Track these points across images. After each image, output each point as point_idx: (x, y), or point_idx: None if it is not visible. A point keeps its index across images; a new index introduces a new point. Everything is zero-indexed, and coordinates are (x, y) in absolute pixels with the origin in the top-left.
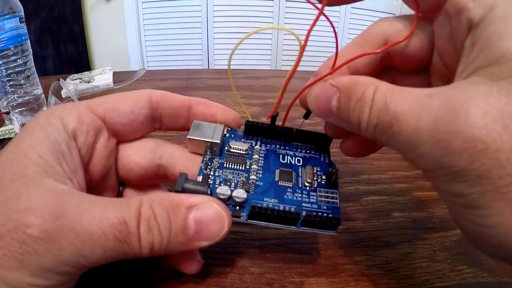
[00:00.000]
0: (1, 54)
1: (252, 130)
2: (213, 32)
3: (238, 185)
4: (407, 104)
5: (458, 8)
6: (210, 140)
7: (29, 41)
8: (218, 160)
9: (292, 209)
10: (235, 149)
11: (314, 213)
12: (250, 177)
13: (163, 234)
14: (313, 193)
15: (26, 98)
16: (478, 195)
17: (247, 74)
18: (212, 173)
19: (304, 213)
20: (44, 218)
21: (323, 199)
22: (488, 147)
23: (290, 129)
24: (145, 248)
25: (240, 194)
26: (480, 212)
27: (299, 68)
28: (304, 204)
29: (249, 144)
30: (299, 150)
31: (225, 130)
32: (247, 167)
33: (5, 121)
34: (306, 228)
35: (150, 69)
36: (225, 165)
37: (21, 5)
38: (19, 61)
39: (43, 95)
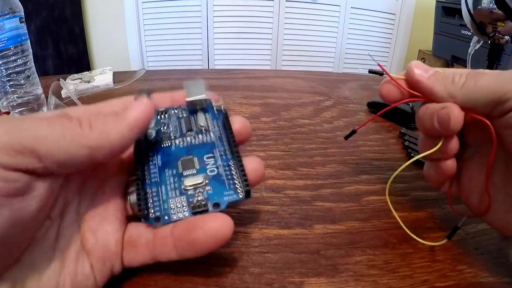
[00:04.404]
0: (1, 54)
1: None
2: (213, 32)
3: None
4: None
5: None
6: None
7: (29, 41)
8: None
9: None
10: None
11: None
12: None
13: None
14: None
15: (26, 98)
16: None
17: (247, 74)
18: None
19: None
20: None
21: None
22: None
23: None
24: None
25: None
26: None
27: (299, 68)
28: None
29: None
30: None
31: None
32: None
33: None
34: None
35: (150, 69)
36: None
37: (21, 5)
38: (19, 61)
39: (43, 95)
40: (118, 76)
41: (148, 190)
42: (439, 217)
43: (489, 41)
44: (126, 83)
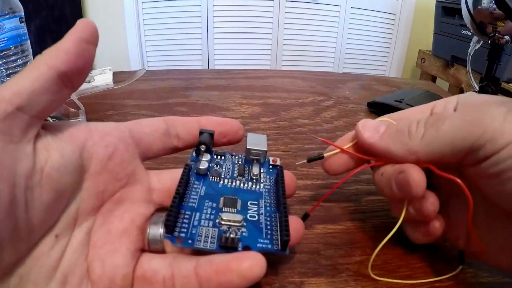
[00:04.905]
0: (1, 54)
1: None
2: (213, 32)
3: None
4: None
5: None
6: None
7: (29, 41)
8: None
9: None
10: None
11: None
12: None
13: None
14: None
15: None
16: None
17: (247, 74)
18: None
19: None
20: None
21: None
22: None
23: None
24: None
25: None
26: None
27: (299, 68)
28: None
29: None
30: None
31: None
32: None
33: None
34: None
35: (150, 69)
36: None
37: (21, 5)
38: (19, 61)
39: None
40: (118, 76)
41: (181, 211)
42: None
43: (489, 41)
44: (126, 83)
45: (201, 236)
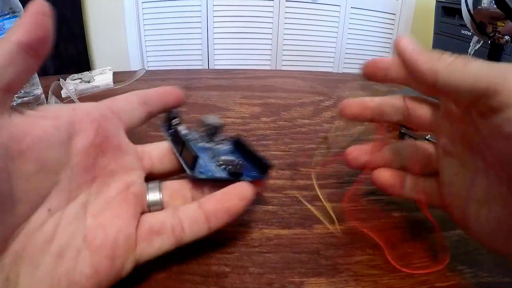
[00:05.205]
0: None
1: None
2: (213, 32)
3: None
4: None
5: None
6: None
7: None
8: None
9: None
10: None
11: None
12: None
13: None
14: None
15: (26, 98)
16: None
17: (247, 74)
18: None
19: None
20: None
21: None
22: None
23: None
24: None
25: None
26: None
27: (299, 68)
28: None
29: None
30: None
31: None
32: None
33: None
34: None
35: (150, 69)
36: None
37: (21, 5)
38: None
39: (43, 95)
40: (118, 76)
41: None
42: (439, 217)
43: (489, 41)
44: (126, 83)
45: (213, 170)
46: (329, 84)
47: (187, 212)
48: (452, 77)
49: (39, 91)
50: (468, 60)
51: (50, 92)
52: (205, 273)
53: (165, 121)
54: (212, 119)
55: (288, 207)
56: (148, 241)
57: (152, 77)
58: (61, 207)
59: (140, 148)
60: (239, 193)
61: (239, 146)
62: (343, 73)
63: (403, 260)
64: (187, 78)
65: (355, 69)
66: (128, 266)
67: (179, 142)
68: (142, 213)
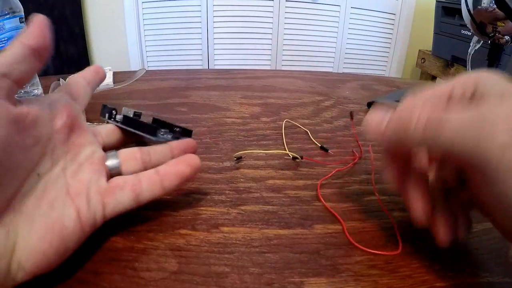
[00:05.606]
0: None
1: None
2: (213, 32)
3: None
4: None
5: None
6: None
7: None
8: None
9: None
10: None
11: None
12: None
13: None
14: None
15: (26, 98)
16: None
17: (247, 74)
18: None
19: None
20: None
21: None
22: None
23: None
24: None
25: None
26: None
27: (299, 68)
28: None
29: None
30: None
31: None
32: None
33: None
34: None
35: (150, 69)
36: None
37: (21, 5)
38: None
39: (43, 95)
40: (118, 76)
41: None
42: None
43: (489, 41)
44: (126, 83)
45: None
46: (329, 84)
47: (145, 174)
48: (434, 148)
49: (39, 91)
50: (439, 120)
51: (50, 92)
52: (205, 273)
53: (105, 113)
54: (126, 110)
55: (288, 207)
56: (113, 194)
57: (152, 77)
58: (47, 172)
59: (93, 128)
60: (188, 160)
61: (160, 123)
62: (343, 73)
63: (404, 259)
64: (187, 78)
65: (355, 69)
66: (99, 216)
67: (132, 122)
68: (106, 173)
